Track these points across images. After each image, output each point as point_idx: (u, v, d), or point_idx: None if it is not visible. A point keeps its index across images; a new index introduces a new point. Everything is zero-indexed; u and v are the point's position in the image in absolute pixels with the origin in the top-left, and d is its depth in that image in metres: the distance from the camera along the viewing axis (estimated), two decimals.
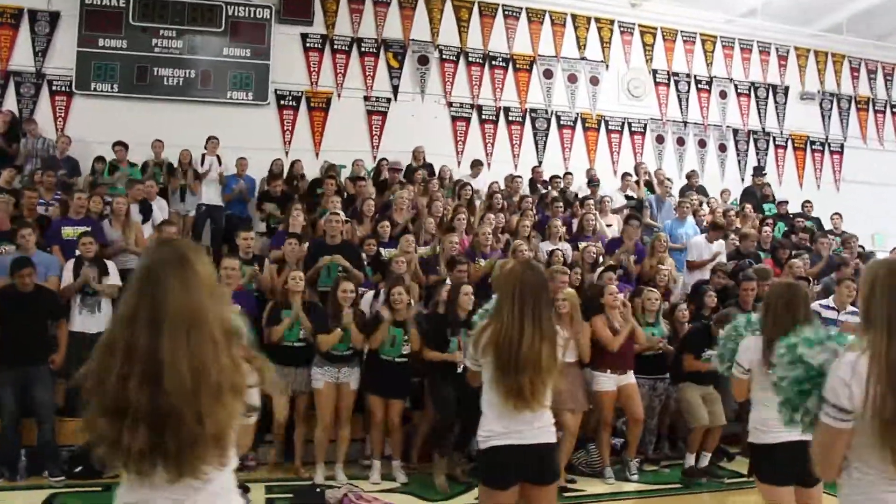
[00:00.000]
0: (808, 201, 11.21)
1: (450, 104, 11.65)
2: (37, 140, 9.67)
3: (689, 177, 11.67)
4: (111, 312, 6.64)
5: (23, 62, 10.24)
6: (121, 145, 9.47)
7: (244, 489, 5.45)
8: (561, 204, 9.27)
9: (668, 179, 10.85)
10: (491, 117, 11.81)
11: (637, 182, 10.91)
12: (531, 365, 3.04)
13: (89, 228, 7.32)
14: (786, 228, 10.45)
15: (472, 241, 7.97)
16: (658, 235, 8.53)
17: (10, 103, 10.09)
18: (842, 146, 13.53)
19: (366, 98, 11.33)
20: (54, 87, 10.30)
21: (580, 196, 10.26)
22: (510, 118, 11.87)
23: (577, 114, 12.17)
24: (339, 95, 11.23)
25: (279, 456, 6.25)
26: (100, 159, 9.64)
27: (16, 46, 10.24)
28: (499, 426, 3.10)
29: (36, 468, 5.78)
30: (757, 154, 12.97)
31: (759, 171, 12.41)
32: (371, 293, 7.00)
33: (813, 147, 13.33)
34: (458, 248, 7.57)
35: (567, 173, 11.15)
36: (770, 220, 10.17)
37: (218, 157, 9.76)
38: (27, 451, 5.82)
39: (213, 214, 9.65)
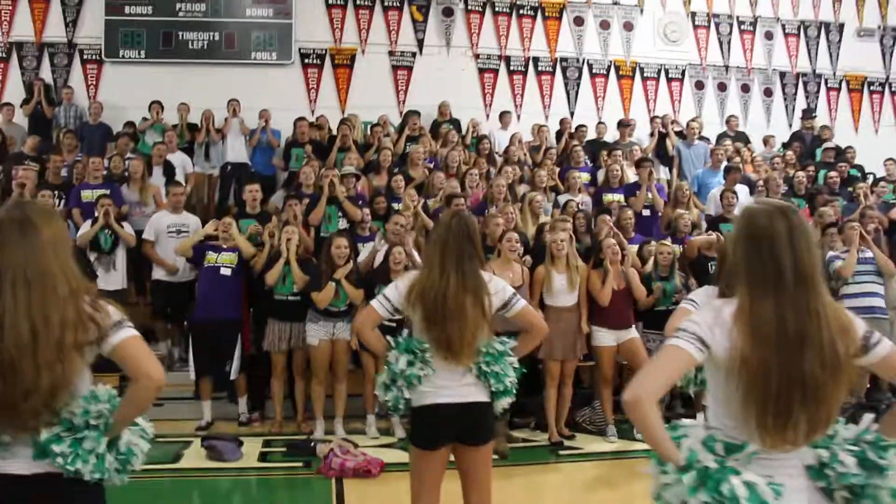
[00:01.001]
0: (849, 147, 10.45)
1: (476, 56, 11.37)
2: (70, 107, 10.00)
3: (727, 122, 11.11)
4: (125, 270, 6.91)
5: (55, 33, 10.51)
6: (157, 104, 9.64)
7: (237, 442, 5.62)
8: (581, 154, 8.98)
9: (695, 121, 10.25)
10: (520, 68, 11.47)
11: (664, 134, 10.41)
12: (457, 316, 2.94)
13: (108, 191, 7.57)
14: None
15: (485, 193, 7.81)
16: (679, 185, 8.18)
17: (45, 74, 10.41)
18: None
19: (390, 53, 11.17)
20: (85, 56, 10.55)
21: (608, 144, 9.93)
22: (539, 68, 11.50)
23: (611, 61, 11.67)
24: (363, 52, 11.10)
25: (285, 411, 6.37)
26: (129, 125, 9.87)
27: (48, 18, 10.49)
28: (427, 384, 3.02)
29: None
30: (807, 98, 12.18)
31: (808, 113, 11.68)
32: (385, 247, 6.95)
33: (871, 88, 12.44)
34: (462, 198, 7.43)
35: (599, 123, 10.77)
36: (812, 166, 9.63)
37: (241, 118, 9.86)
38: None
39: (239, 173, 9.75)
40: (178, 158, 8.97)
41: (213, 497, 4.96)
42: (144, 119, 9.65)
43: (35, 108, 9.83)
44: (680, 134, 10.37)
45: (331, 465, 5.09)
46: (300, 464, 5.32)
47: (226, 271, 6.23)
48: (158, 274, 6.96)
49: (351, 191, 7.63)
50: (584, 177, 8.80)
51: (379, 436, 5.99)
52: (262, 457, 5.56)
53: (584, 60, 11.62)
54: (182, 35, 10.63)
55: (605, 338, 5.92)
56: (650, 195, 7.95)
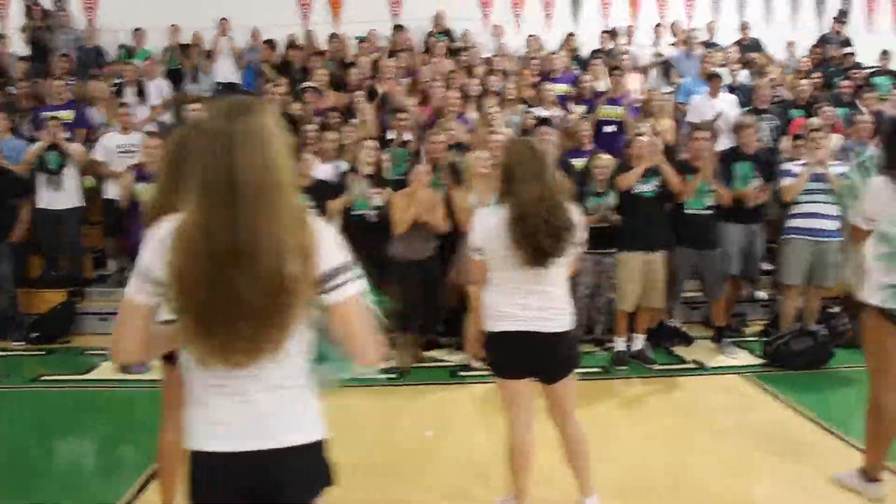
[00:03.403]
0: (885, 51, 9.47)
1: None
2: (68, 31, 10.23)
3: (742, 28, 10.27)
4: (77, 189, 7.11)
5: None
6: (140, 31, 9.76)
7: None
8: (558, 62, 8.53)
9: (693, 30, 9.54)
10: None
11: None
12: None
13: (72, 112, 7.77)
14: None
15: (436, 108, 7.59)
16: (651, 94, 7.68)
17: None
18: None
19: None
20: None
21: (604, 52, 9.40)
22: None
23: None
24: None
25: None
26: (123, 47, 10.07)
27: None
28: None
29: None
30: None
31: (842, 15, 10.65)
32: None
33: None
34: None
35: (604, 32, 10.18)
36: (820, 74, 8.83)
37: (230, 37, 9.87)
38: None
39: (230, 93, 9.82)
40: (155, 84, 9.01)
41: (111, 406, 5.11)
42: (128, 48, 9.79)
43: (33, 33, 10.10)
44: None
45: None
46: None
47: None
48: (109, 193, 7.12)
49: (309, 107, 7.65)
50: (561, 88, 8.37)
51: None
52: None
53: None
54: None
55: None
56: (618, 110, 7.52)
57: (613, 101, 7.77)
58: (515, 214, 2.94)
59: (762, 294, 6.98)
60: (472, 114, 7.84)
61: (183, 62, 9.80)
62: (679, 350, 6.11)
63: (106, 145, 7.18)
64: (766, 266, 6.72)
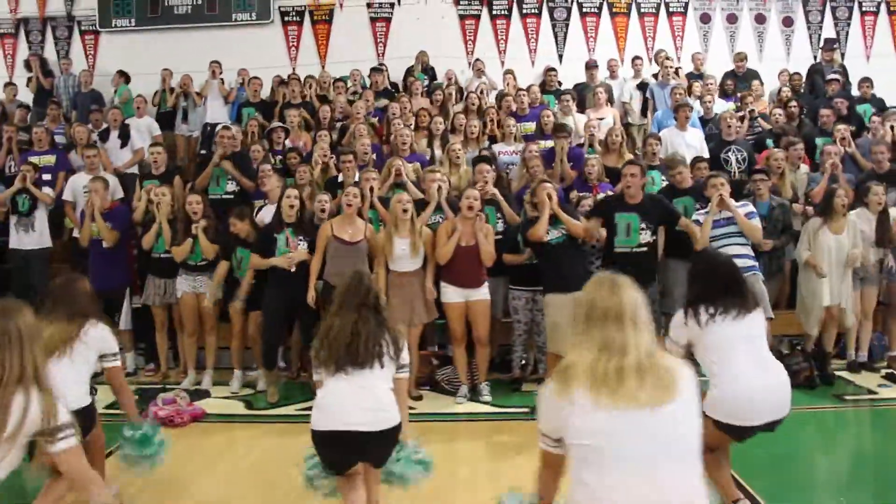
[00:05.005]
0: (865, 79, 9.21)
1: (457, 2, 10.98)
2: (68, 77, 10.70)
3: (736, 59, 10.10)
4: (46, 231, 7.39)
5: (56, 7, 11.19)
6: (120, 73, 10.17)
7: (93, 390, 5.94)
8: (525, 100, 8.53)
9: (668, 58, 9.46)
10: (503, 12, 10.97)
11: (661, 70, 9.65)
12: None
13: (55, 157, 8.11)
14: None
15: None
16: (612, 130, 7.59)
17: (49, 47, 11.17)
18: None
19: (368, 5, 11.03)
20: (83, 28, 11.19)
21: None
22: (524, 10, 10.94)
23: None
24: (340, 6, 11.03)
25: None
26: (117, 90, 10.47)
27: None
28: None
29: None
30: (836, 26, 10.84)
31: (830, 43, 10.40)
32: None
33: None
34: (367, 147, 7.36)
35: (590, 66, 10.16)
36: (797, 104, 8.62)
37: (221, 79, 10.14)
38: None
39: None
40: (145, 123, 9.33)
41: None
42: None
43: (37, 82, 10.60)
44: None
45: (147, 414, 5.31)
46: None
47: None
48: (77, 232, 7.36)
49: (277, 146, 7.88)
50: (528, 127, 8.36)
51: (238, 390, 6.16)
52: (113, 405, 5.86)
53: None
54: (167, 1, 11.01)
55: (452, 295, 5.67)
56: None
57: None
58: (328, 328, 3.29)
59: None
60: (438, 151, 7.92)
61: (175, 104, 10.10)
62: None
63: (74, 186, 7.45)
64: None
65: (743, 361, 3.29)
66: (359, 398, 3.15)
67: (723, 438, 3.36)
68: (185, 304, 6.21)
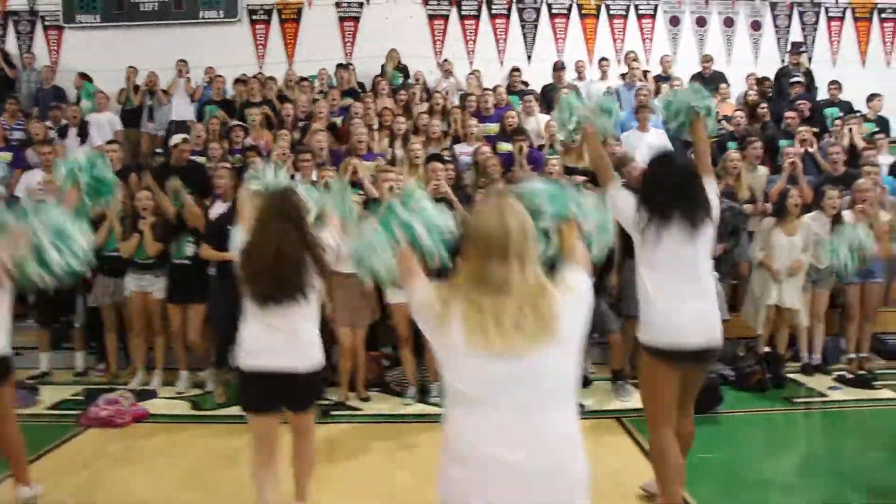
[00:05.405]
0: (834, 82, 9.26)
1: (426, 2, 10.93)
2: (31, 72, 10.54)
3: (703, 61, 10.12)
4: None
5: (18, 1, 11.02)
6: (81, 74, 10.00)
7: (34, 390, 5.84)
8: (489, 101, 8.48)
9: (636, 60, 9.46)
10: (472, 12, 10.94)
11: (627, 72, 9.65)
12: None
13: (10, 154, 7.98)
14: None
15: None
16: (586, 126, 7.52)
17: (11, 41, 10.98)
18: None
19: (337, 4, 10.96)
20: (46, 22, 11.02)
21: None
22: (493, 11, 10.92)
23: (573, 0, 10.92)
24: (309, 4, 10.95)
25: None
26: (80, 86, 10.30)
27: None
28: None
29: None
30: (803, 30, 10.90)
31: (797, 47, 10.46)
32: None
33: (882, 16, 10.95)
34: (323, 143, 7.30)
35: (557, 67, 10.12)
36: (763, 105, 8.65)
37: (188, 78, 10.02)
38: None
39: (182, 129, 9.93)
40: (106, 118, 9.21)
41: None
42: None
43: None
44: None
45: (88, 414, 5.20)
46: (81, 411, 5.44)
47: None
48: None
49: (236, 144, 7.78)
50: (492, 128, 8.31)
51: (184, 390, 6.06)
52: (57, 405, 5.75)
53: (542, 0, 10.91)
54: None
55: (397, 294, 5.61)
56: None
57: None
58: (244, 254, 3.11)
59: None
60: (400, 151, 7.86)
61: (141, 102, 9.96)
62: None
63: (27, 183, 7.32)
64: None
65: (682, 287, 3.27)
66: (280, 340, 3.15)
67: (657, 376, 3.34)
68: (133, 302, 6.10)
